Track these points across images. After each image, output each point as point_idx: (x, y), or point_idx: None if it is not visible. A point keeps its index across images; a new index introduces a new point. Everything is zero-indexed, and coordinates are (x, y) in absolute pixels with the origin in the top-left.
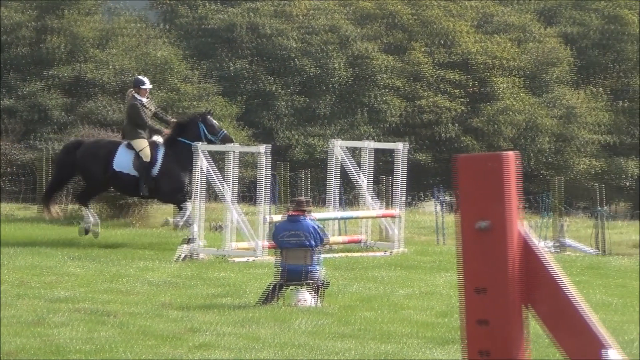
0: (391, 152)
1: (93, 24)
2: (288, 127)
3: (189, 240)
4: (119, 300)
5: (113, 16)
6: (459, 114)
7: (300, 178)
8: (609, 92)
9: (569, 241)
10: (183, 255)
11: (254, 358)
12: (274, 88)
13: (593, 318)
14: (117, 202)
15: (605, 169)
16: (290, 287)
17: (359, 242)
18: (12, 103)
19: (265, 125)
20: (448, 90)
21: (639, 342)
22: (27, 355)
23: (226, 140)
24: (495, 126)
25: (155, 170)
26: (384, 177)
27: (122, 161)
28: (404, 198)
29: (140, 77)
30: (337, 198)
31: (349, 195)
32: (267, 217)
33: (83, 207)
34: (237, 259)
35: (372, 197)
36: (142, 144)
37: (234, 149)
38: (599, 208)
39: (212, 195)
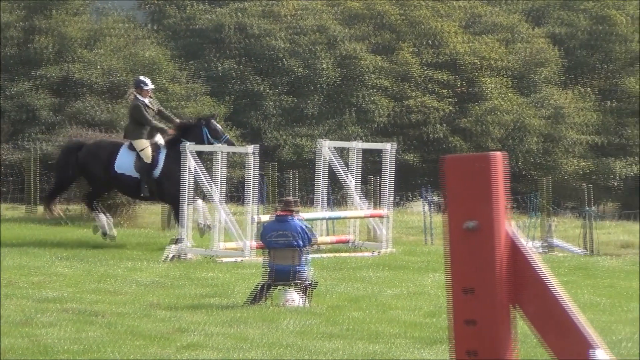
0: (379, 152)
1: (81, 24)
2: (276, 127)
3: (177, 241)
4: (107, 301)
5: (101, 16)
6: (447, 114)
7: (288, 178)
8: (597, 93)
9: (557, 241)
10: (171, 256)
11: (242, 358)
12: (262, 88)
13: (581, 318)
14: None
15: (593, 169)
16: (278, 287)
17: (347, 242)
18: (0, 103)
19: (253, 125)
20: (436, 90)
21: (639, 342)
22: (15, 355)
23: (229, 144)
24: (483, 126)
25: (157, 171)
26: (372, 177)
27: (124, 163)
28: (392, 198)
29: (141, 77)
30: (325, 198)
31: (337, 196)
32: (255, 217)
33: (93, 212)
34: (225, 259)
35: (360, 197)
36: (143, 144)
37: (221, 149)
38: (587, 208)
39: (200, 195)
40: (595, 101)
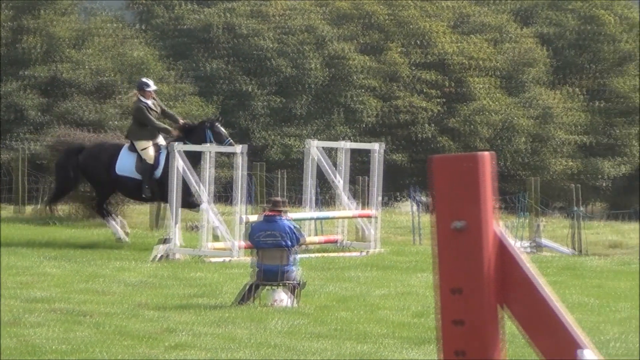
0: (367, 152)
1: (69, 24)
2: (264, 127)
3: (165, 241)
4: (95, 301)
5: (89, 16)
6: (435, 114)
7: (277, 178)
8: (585, 93)
9: (545, 241)
10: (159, 256)
11: (230, 358)
12: (250, 88)
13: (568, 318)
14: (92, 202)
15: (581, 169)
16: (267, 287)
17: (335, 242)
18: None
19: (241, 125)
20: (424, 90)
21: (627, 342)
22: (3, 355)
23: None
24: (472, 126)
25: (159, 172)
26: (360, 178)
27: (124, 164)
28: (380, 198)
29: (144, 79)
30: (314, 198)
31: (325, 196)
32: (244, 217)
33: (105, 219)
34: (213, 259)
35: (348, 198)
36: (145, 145)
37: (210, 149)
38: (575, 208)
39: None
40: (584, 101)
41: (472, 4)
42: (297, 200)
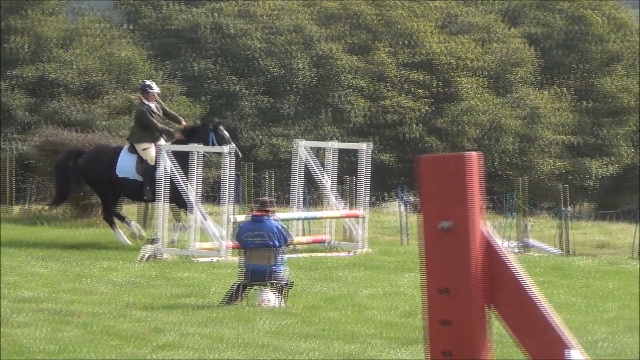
0: (355, 152)
1: (57, 24)
2: (252, 127)
3: (152, 241)
4: (83, 300)
5: (77, 16)
6: (423, 114)
7: (264, 178)
8: (573, 93)
9: (532, 241)
10: (147, 256)
11: (218, 358)
12: (238, 88)
13: (556, 318)
14: (80, 202)
15: (569, 170)
16: (254, 287)
17: (323, 242)
18: None
19: (229, 125)
20: (412, 90)
21: (615, 342)
22: None
23: (234, 155)
24: (460, 126)
25: (159, 173)
26: (348, 177)
27: (124, 166)
28: (367, 198)
29: (147, 82)
30: (301, 198)
31: (313, 196)
32: (231, 217)
33: (112, 228)
34: (200, 259)
35: (336, 197)
36: (146, 146)
37: (197, 149)
38: (563, 208)
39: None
40: (571, 101)
41: (460, 4)
42: (284, 200)
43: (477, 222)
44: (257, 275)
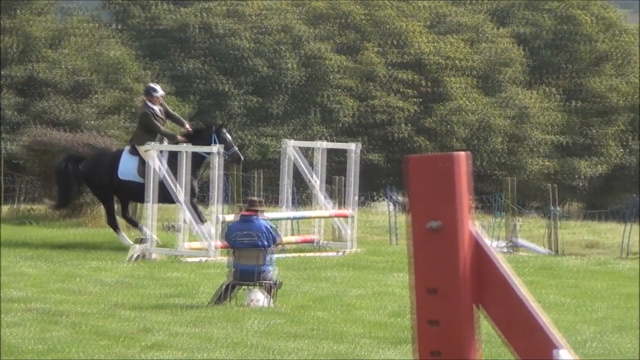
0: (344, 152)
1: (45, 23)
2: (241, 127)
3: (141, 240)
4: (72, 300)
5: (65, 16)
6: (411, 114)
7: (253, 178)
8: (561, 93)
9: (521, 241)
10: (135, 255)
11: (207, 358)
12: (226, 88)
13: (544, 318)
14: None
15: (558, 169)
16: (243, 287)
17: (312, 242)
18: None
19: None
20: (401, 90)
21: (604, 342)
22: None
23: (235, 158)
24: (448, 126)
25: (161, 175)
26: (337, 177)
27: (126, 169)
28: (356, 198)
29: (151, 84)
30: (290, 198)
31: (302, 195)
32: (220, 217)
33: (116, 232)
34: (189, 259)
35: (324, 197)
36: (147, 148)
37: (186, 149)
38: (552, 208)
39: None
40: (560, 101)
41: (449, 4)
42: (273, 200)
43: (466, 222)
44: (246, 275)
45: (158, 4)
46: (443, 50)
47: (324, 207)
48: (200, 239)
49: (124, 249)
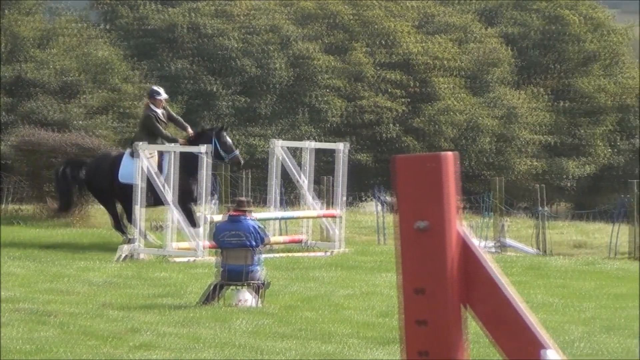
0: (332, 152)
1: (33, 23)
2: (229, 127)
3: (129, 241)
4: (60, 300)
5: (54, 16)
6: (400, 114)
7: (241, 178)
8: (549, 93)
9: (509, 241)
10: (124, 255)
11: (195, 358)
12: (215, 88)
13: (532, 318)
14: (57, 202)
15: (546, 169)
16: (231, 287)
17: (300, 242)
18: None
19: (206, 125)
20: (389, 90)
21: (591, 342)
22: None
23: (235, 162)
24: (436, 126)
25: (162, 178)
26: (325, 177)
27: (126, 172)
28: (344, 198)
29: (155, 87)
30: (278, 198)
31: (290, 195)
32: (208, 217)
33: (123, 236)
34: (177, 259)
35: (312, 197)
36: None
37: (174, 149)
38: (540, 208)
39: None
40: (548, 101)
41: (437, 4)
42: (261, 200)
43: (453, 222)
44: (234, 275)
45: (146, 4)
46: (431, 50)
47: (312, 207)
48: (189, 239)
49: (112, 249)
